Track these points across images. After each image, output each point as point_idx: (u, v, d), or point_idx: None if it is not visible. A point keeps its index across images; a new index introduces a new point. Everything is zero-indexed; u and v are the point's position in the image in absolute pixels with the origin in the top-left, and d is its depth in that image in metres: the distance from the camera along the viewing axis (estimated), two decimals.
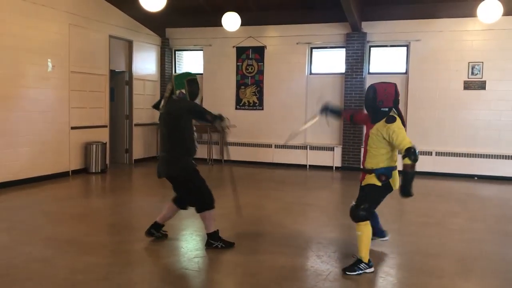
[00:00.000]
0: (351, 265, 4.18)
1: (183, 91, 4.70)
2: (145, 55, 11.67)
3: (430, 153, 10.28)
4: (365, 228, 4.15)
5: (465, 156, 10.04)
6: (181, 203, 4.95)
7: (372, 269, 4.18)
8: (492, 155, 9.86)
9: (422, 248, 5.04)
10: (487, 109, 9.92)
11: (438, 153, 10.22)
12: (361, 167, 4.41)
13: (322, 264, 4.48)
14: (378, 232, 4.79)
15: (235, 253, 4.77)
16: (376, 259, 4.60)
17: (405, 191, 4.01)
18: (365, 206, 4.16)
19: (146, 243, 5.02)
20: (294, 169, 10.93)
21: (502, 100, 9.81)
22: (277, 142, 11.34)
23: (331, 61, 11.27)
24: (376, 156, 4.17)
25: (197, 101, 5.05)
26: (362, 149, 4.67)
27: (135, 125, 11.31)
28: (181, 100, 4.70)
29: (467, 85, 10.05)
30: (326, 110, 4.89)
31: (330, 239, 5.35)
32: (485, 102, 9.94)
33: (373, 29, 10.58)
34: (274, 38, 11.45)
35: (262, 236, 5.48)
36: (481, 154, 9.93)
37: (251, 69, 11.58)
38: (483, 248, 5.11)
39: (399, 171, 4.25)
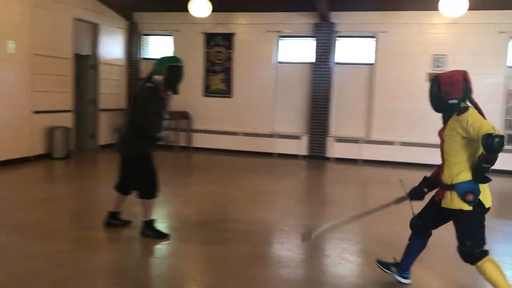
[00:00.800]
0: None
1: (160, 77, 4.49)
2: (111, 39, 11.44)
3: (394, 143, 10.52)
4: (487, 266, 3.24)
5: (428, 146, 10.31)
6: (121, 188, 4.86)
7: None
8: None
9: (382, 236, 5.20)
10: None
11: (403, 143, 10.47)
12: (440, 182, 3.41)
13: (285, 250, 4.57)
14: (403, 266, 3.79)
15: (199, 240, 4.81)
16: (336, 245, 4.73)
17: (476, 178, 3.17)
18: (467, 243, 3.25)
19: (108, 230, 4.99)
20: (262, 157, 11.00)
21: None
22: (245, 130, 11.38)
23: (300, 50, 11.33)
24: (455, 165, 3.25)
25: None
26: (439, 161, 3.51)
27: (101, 110, 11.12)
28: (149, 89, 4.52)
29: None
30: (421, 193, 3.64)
31: (293, 226, 5.44)
32: None
33: (342, 19, 10.68)
34: (244, 25, 11.41)
35: (227, 223, 5.53)
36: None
37: (220, 56, 11.52)
38: (440, 235, 5.31)
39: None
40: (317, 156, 10.90)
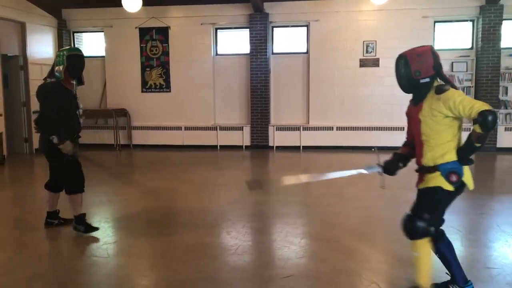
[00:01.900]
0: None
1: (60, 67, 4.50)
2: (40, 37, 10.97)
3: (331, 128, 10.87)
4: (424, 248, 3.11)
5: (363, 130, 10.75)
6: (50, 186, 4.93)
7: None
8: (387, 127, 10.66)
9: (322, 217, 5.41)
10: (380, 85, 10.66)
11: (339, 128, 10.84)
12: (419, 166, 3.19)
13: (231, 239, 4.65)
14: (458, 279, 3.24)
15: (145, 236, 4.79)
16: (281, 229, 4.88)
17: (463, 160, 3.00)
18: (425, 217, 3.07)
19: (50, 234, 4.86)
20: (205, 150, 11.02)
21: (393, 76, 10.54)
22: (186, 124, 11.33)
23: (236, 41, 11.40)
24: (438, 147, 3.03)
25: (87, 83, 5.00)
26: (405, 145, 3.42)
27: (34, 112, 10.59)
28: (47, 85, 4.57)
29: (363, 63, 10.72)
30: (391, 167, 3.44)
31: (239, 215, 5.54)
32: (378, 78, 10.67)
33: (275, 9, 10.85)
34: (178, 18, 11.31)
35: (173, 217, 5.54)
36: (377, 127, 10.69)
37: (156, 50, 11.37)
38: (375, 213, 5.60)
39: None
40: (260, 145, 11.07)
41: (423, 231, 3.07)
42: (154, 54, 11.39)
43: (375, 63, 10.66)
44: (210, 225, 5.13)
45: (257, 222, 5.38)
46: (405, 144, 3.45)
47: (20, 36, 10.39)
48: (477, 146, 2.88)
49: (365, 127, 10.76)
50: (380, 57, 10.62)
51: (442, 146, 3.03)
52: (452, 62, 10.51)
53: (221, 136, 11.26)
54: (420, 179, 3.18)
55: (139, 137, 11.56)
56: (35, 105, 10.61)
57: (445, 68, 10.49)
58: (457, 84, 10.47)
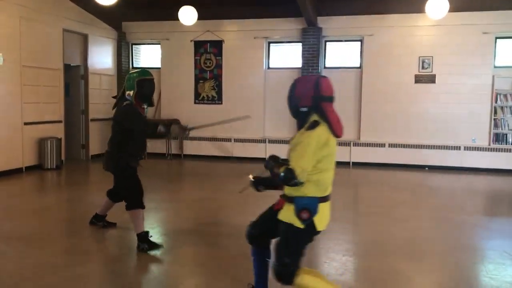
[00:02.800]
0: None
1: (131, 93, 4.55)
2: (101, 49, 11.50)
3: (383, 145, 10.61)
4: (307, 278, 2.93)
5: (416, 148, 10.42)
6: (112, 196, 5.13)
7: None
8: (441, 146, 10.28)
9: (369, 235, 5.26)
10: (436, 102, 10.32)
11: (391, 145, 10.56)
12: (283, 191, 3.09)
13: (273, 252, 4.60)
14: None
15: (188, 244, 4.84)
16: (321, 245, 4.79)
17: (255, 181, 3.32)
18: (287, 262, 2.91)
19: (97, 236, 5.02)
20: (253, 163, 11.05)
21: (450, 93, 10.23)
22: (236, 136, 11.44)
23: (288, 55, 11.43)
24: None
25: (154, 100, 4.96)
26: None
27: (92, 120, 11.15)
28: (127, 107, 4.56)
29: (418, 79, 10.42)
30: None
31: None
32: (434, 95, 10.34)
33: (328, 24, 10.80)
34: (232, 32, 11.51)
35: (217, 227, 5.57)
36: (431, 145, 10.34)
37: (209, 63, 11.61)
38: (424, 234, 5.38)
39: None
40: None
41: (293, 272, 2.89)
42: (208, 66, 11.63)
43: (431, 79, 10.34)
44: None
45: None
46: None
47: (82, 47, 10.95)
48: (271, 178, 2.98)
49: (417, 145, 10.42)
50: (437, 73, 10.29)
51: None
52: None
53: (270, 148, 11.25)
54: (281, 203, 3.05)
55: (190, 148, 11.78)
56: (93, 113, 11.18)
57: (506, 87, 10.10)
58: None
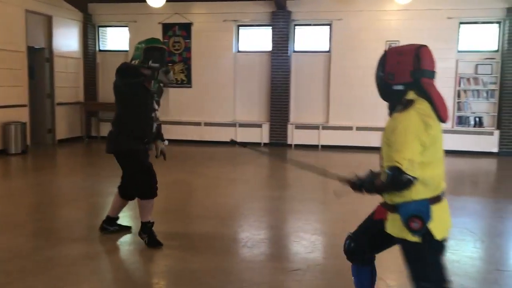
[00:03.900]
0: None
1: (137, 62, 3.98)
2: (66, 31, 11.21)
3: (351, 128, 10.80)
4: None
5: (383, 130, 10.64)
6: (124, 191, 4.36)
7: None
8: None
9: (338, 214, 5.40)
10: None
11: (359, 128, 10.76)
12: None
13: (242, 232, 4.70)
14: None
15: (159, 225, 4.85)
16: (291, 225, 4.90)
17: (354, 184, 2.48)
18: (424, 286, 2.32)
19: (66, 219, 4.97)
20: (224, 146, 11.08)
21: None
22: (207, 120, 11.42)
23: (258, 39, 11.43)
24: None
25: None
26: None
27: (58, 104, 10.91)
28: (132, 84, 3.98)
29: None
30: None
31: (251, 209, 5.57)
32: None
33: (298, 7, 10.83)
34: (201, 15, 11.40)
35: (187, 208, 5.60)
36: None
37: (178, 46, 11.49)
38: None
39: None
40: (278, 143, 11.07)
41: None
42: (177, 49, 11.51)
43: None
44: (223, 218, 5.18)
45: (269, 217, 5.40)
46: None
47: (47, 29, 10.64)
48: (373, 190, 2.38)
49: (384, 128, 10.65)
50: None
51: None
52: (477, 64, 10.31)
53: (240, 132, 11.30)
54: (382, 213, 2.49)
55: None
56: (60, 97, 10.94)
57: (469, 71, 10.42)
58: (480, 87, 10.32)
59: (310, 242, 4.40)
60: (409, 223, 2.25)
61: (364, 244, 2.66)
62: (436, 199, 2.31)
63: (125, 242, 4.39)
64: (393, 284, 3.47)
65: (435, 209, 2.27)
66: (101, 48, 12.13)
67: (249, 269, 3.74)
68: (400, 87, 2.36)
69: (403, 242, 2.34)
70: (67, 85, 11.11)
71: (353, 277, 2.76)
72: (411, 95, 2.34)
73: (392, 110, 2.43)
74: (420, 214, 2.24)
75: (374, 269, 2.75)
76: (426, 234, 2.25)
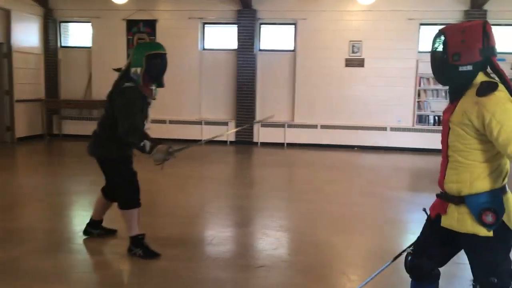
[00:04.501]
0: None
1: (138, 70, 3.72)
2: (26, 26, 10.87)
3: (316, 126, 10.96)
4: None
5: (346, 129, 10.85)
6: (108, 192, 4.18)
7: None
8: (369, 126, 10.78)
9: (303, 211, 5.49)
10: (365, 85, 10.78)
11: (323, 126, 10.93)
12: (441, 191, 2.35)
13: (208, 230, 4.71)
14: None
15: (124, 227, 4.80)
16: (257, 222, 4.95)
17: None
18: (494, 281, 2.14)
19: (27, 221, 4.86)
20: (190, 144, 11.02)
21: (377, 77, 10.71)
22: (171, 118, 11.33)
23: (223, 37, 11.42)
24: (467, 167, 2.17)
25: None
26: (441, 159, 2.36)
27: (17, 101, 10.58)
28: (125, 90, 3.74)
29: (348, 63, 10.82)
30: None
31: (218, 208, 5.59)
32: (363, 78, 10.78)
33: (263, 6, 10.89)
34: (166, 12, 11.29)
35: (154, 207, 5.55)
36: (360, 126, 10.81)
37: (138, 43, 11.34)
38: (354, 210, 5.69)
39: None
40: (244, 141, 11.11)
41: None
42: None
43: (360, 63, 10.77)
44: (189, 216, 5.17)
45: (235, 215, 5.44)
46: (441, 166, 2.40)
47: (5, 24, 10.29)
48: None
49: (348, 126, 10.87)
50: (366, 57, 10.72)
51: (472, 168, 2.15)
52: None
53: (206, 130, 11.28)
54: (440, 208, 2.30)
55: None
56: (19, 93, 10.61)
57: (428, 71, 10.73)
58: (439, 86, 10.66)
59: (275, 238, 4.45)
60: (482, 217, 2.10)
61: (434, 258, 2.42)
62: (505, 189, 2.17)
63: (80, 243, 4.33)
64: (355, 279, 3.56)
65: (507, 199, 2.15)
66: (63, 44, 11.84)
67: (214, 266, 3.76)
68: (469, 68, 2.14)
69: (471, 237, 2.17)
70: (27, 81, 10.79)
71: None
72: (482, 77, 2.16)
73: (456, 94, 2.22)
74: (493, 206, 2.11)
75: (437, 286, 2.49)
76: (501, 227, 2.10)
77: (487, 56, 2.14)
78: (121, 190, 3.94)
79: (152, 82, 3.90)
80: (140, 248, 3.91)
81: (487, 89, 2.07)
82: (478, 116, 2.06)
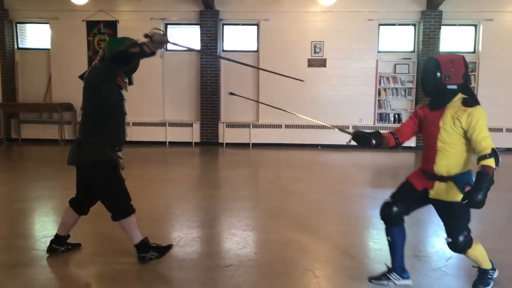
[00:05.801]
0: (479, 279, 3.35)
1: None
2: None
3: (280, 126, 11.08)
4: (475, 250, 3.20)
5: (310, 128, 11.01)
6: (80, 207, 3.97)
7: (497, 272, 3.41)
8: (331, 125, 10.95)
9: (268, 210, 5.54)
10: (327, 84, 10.97)
11: (287, 126, 11.06)
12: (428, 172, 3.20)
13: (174, 232, 4.69)
14: (398, 267, 3.42)
15: (86, 227, 4.73)
16: (223, 223, 4.97)
17: (480, 200, 2.82)
18: (463, 233, 3.11)
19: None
20: (154, 146, 10.93)
21: (339, 76, 10.93)
22: (135, 120, 11.19)
23: (186, 38, 11.37)
24: (453, 155, 3.09)
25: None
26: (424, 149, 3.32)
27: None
28: (105, 65, 3.69)
29: (311, 63, 10.98)
30: (366, 141, 3.42)
31: (183, 209, 5.58)
32: (325, 78, 10.97)
33: (225, 7, 10.92)
34: (127, 12, 11.16)
35: None
36: (323, 126, 10.97)
37: (104, 44, 11.13)
38: (319, 207, 5.80)
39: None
40: (210, 142, 11.10)
41: (468, 242, 3.13)
42: (102, 48, 11.15)
43: (322, 63, 10.95)
44: (154, 218, 5.14)
45: (201, 216, 5.44)
46: (392, 132, 3.51)
47: None
48: (492, 178, 2.86)
49: (311, 126, 11.02)
50: (328, 57, 10.92)
51: (457, 155, 3.08)
52: (395, 64, 10.96)
53: (170, 132, 11.21)
54: (427, 184, 3.19)
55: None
56: None
57: (388, 70, 11.04)
58: (399, 85, 10.99)
59: (242, 238, 4.49)
60: (464, 189, 2.97)
61: (404, 208, 3.32)
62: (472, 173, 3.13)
63: (43, 250, 4.23)
64: (320, 274, 3.64)
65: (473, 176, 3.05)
66: (20, 46, 11.51)
67: (181, 268, 3.76)
68: (454, 87, 3.09)
69: (451, 204, 3.09)
70: None
71: (387, 237, 3.40)
72: (459, 94, 3.11)
73: (438, 104, 3.15)
74: (470, 181, 3.05)
75: (404, 229, 3.40)
76: (469, 196, 2.87)
77: (466, 80, 3.11)
78: (112, 200, 3.74)
79: (127, 76, 3.97)
80: (150, 251, 3.81)
81: (472, 103, 3.04)
82: (467, 120, 2.98)
